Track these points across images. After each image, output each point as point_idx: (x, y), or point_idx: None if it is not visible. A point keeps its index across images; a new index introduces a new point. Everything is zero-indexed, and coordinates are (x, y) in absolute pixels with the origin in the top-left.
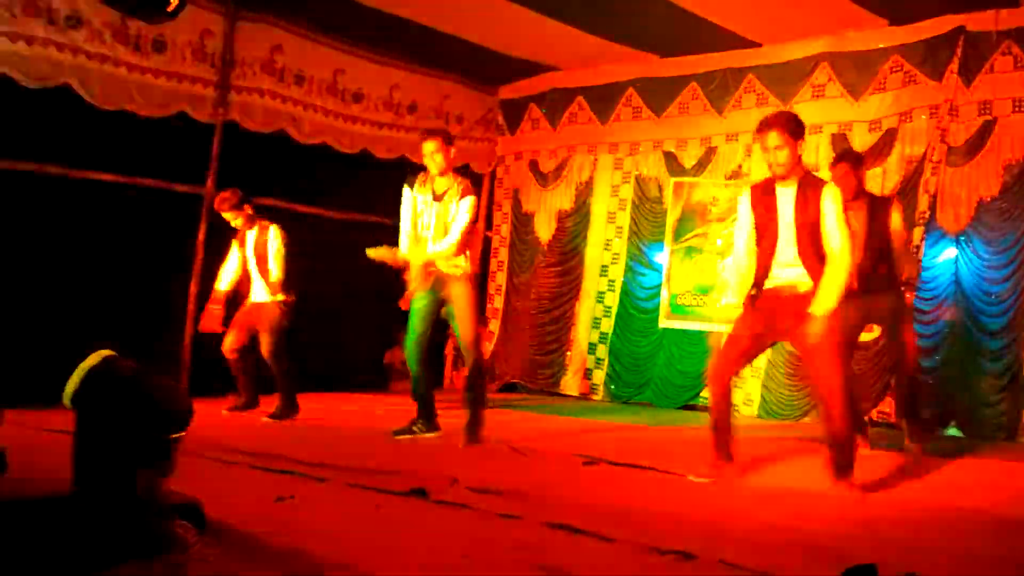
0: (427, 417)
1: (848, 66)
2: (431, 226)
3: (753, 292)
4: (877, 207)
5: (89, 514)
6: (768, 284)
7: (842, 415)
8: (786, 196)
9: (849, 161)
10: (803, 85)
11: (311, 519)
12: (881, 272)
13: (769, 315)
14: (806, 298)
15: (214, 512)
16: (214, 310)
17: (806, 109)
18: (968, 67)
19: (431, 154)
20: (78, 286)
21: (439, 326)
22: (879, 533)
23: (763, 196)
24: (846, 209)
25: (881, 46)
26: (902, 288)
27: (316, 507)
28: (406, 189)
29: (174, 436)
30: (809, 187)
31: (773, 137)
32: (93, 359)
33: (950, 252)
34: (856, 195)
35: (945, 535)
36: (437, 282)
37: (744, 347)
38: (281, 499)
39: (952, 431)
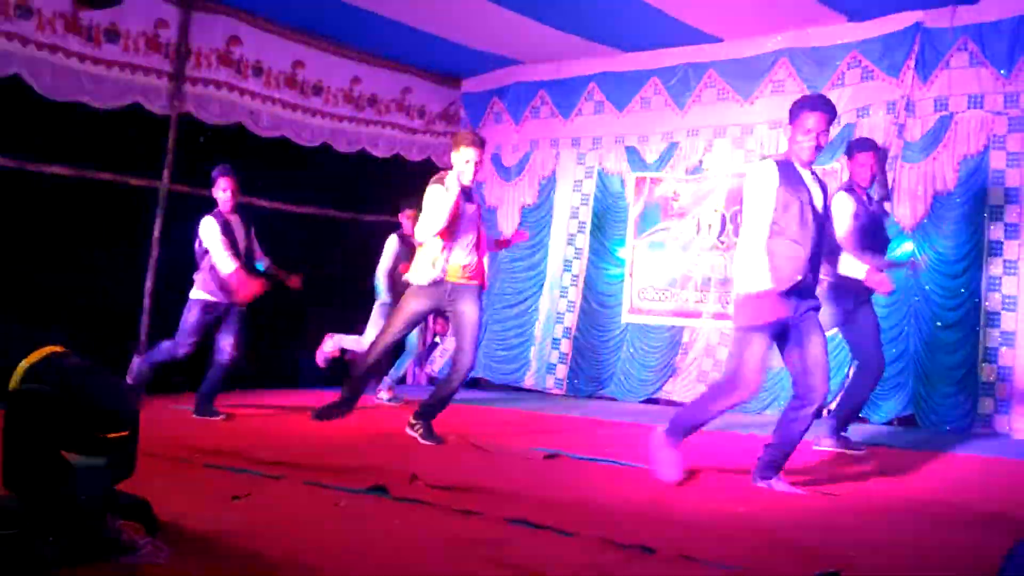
0: (350, 404)
1: (807, 62)
2: (461, 231)
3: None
4: (871, 198)
5: (20, 517)
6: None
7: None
8: (812, 183)
9: (874, 150)
10: (763, 81)
11: (268, 518)
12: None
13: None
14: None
15: (167, 512)
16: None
17: (766, 105)
18: (925, 63)
19: (475, 163)
20: (30, 282)
21: None
22: (836, 525)
23: (791, 176)
24: (860, 194)
25: (840, 42)
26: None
27: (273, 506)
28: (443, 188)
29: (113, 435)
30: (818, 179)
31: (824, 121)
32: (37, 355)
33: (907, 246)
34: (871, 184)
35: (901, 527)
36: (450, 291)
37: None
38: (237, 498)
39: (908, 422)
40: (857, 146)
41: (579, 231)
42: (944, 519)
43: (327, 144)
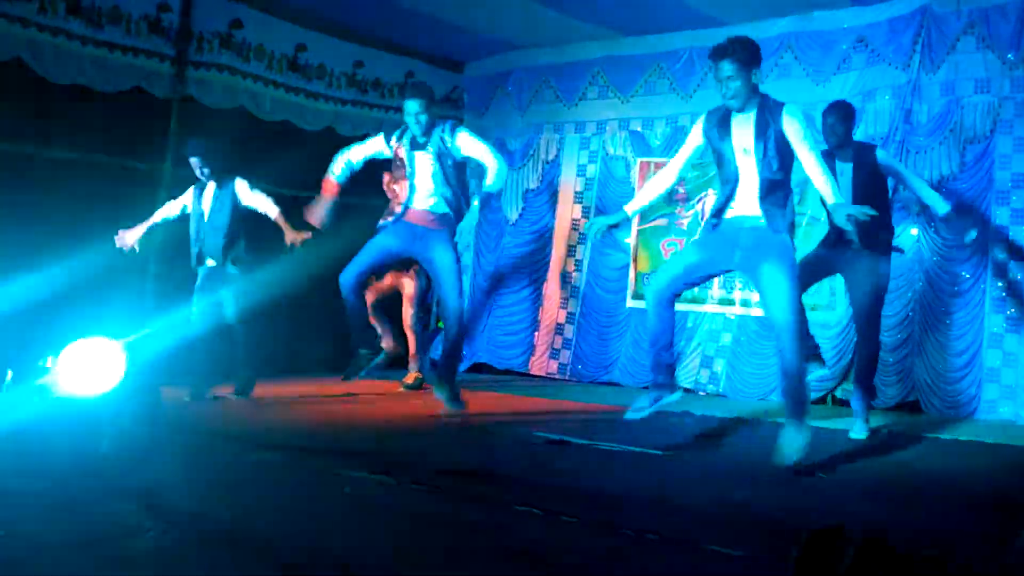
0: (369, 343)
1: (812, 46)
2: (417, 175)
3: (714, 221)
4: (862, 157)
5: None
6: (728, 215)
7: (793, 349)
8: (744, 125)
9: (838, 110)
10: (768, 65)
11: (274, 503)
12: (876, 223)
13: (728, 244)
14: (764, 232)
15: (173, 496)
16: None
17: (771, 89)
18: (932, 47)
19: (415, 115)
20: (34, 265)
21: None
22: (840, 509)
23: (718, 124)
24: (839, 158)
25: (845, 26)
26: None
27: (279, 490)
28: (380, 136)
29: None
30: (767, 110)
31: (725, 67)
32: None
33: (912, 232)
34: (840, 145)
35: (905, 511)
36: (419, 235)
37: (692, 266)
38: (243, 482)
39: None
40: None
41: (583, 216)
42: (948, 505)
43: (330, 128)
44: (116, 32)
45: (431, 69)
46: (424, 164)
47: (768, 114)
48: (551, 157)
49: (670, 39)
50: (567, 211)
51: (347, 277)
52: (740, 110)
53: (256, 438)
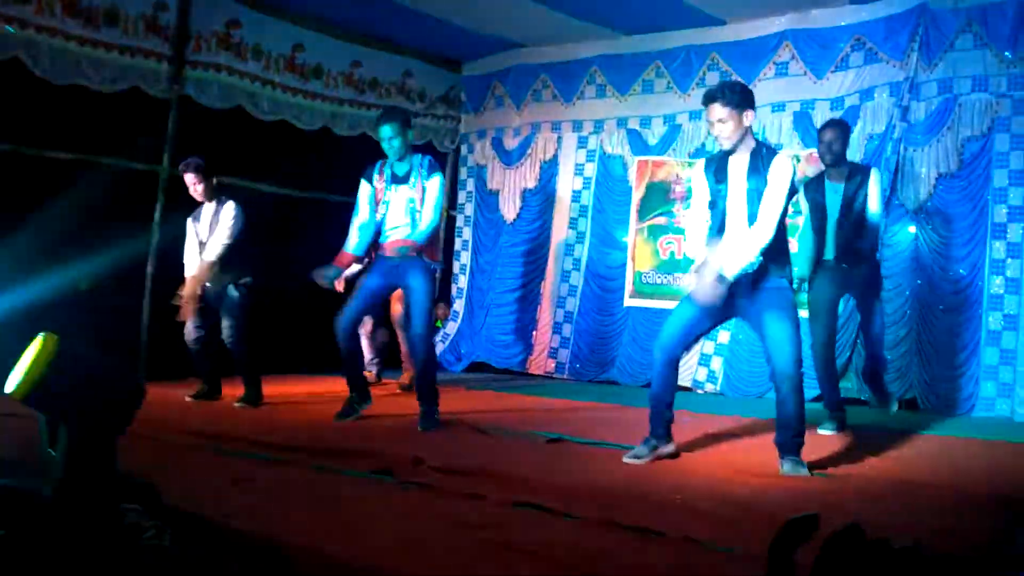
0: (361, 391)
1: (810, 44)
2: (390, 210)
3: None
4: (856, 175)
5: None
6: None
7: (795, 401)
8: (739, 169)
9: (837, 127)
10: (766, 63)
11: (273, 502)
12: (860, 242)
13: (725, 293)
14: (762, 280)
15: (173, 496)
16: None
17: (769, 87)
18: (929, 45)
19: (388, 139)
20: (29, 266)
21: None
22: (839, 508)
23: (716, 169)
24: (829, 177)
25: (843, 23)
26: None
27: (278, 490)
28: (363, 182)
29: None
30: (760, 157)
31: (716, 110)
32: (45, 347)
33: (910, 229)
34: (837, 161)
35: (903, 508)
36: (397, 266)
37: (692, 321)
38: (240, 482)
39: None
40: (825, 124)
41: (581, 215)
42: (945, 502)
43: (327, 128)
44: (113, 32)
45: (428, 68)
46: (400, 198)
47: (760, 160)
48: (549, 156)
49: (668, 37)
50: (565, 210)
51: (342, 324)
52: (732, 152)
53: (255, 437)
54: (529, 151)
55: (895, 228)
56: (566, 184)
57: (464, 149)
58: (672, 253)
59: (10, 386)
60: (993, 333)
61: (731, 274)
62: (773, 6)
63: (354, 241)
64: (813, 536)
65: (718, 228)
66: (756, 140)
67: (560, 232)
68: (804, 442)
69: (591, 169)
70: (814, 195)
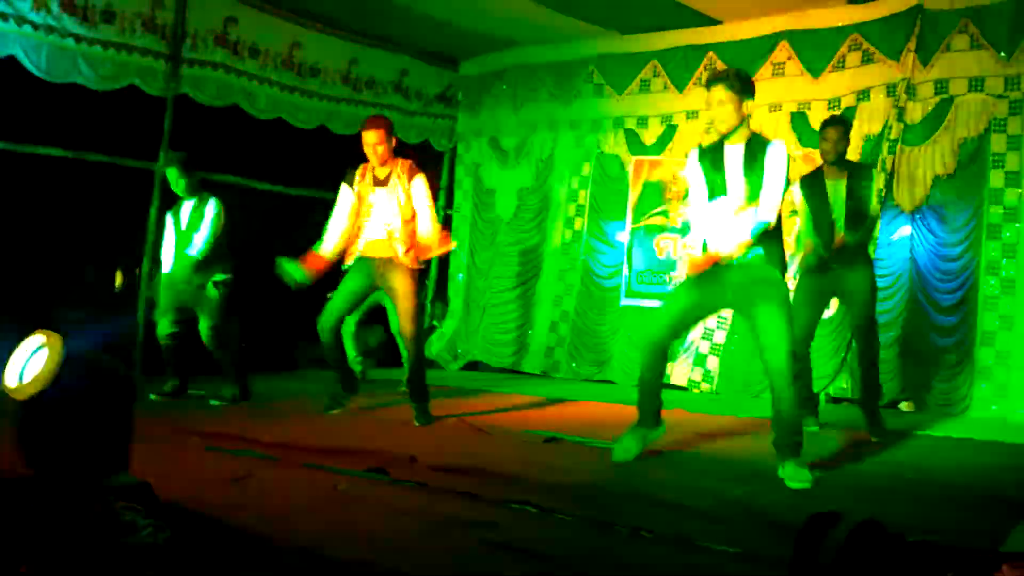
0: (348, 383)
1: (807, 44)
2: (373, 213)
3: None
4: (856, 175)
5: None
6: (713, 248)
7: (790, 396)
8: (735, 158)
9: (842, 125)
10: (763, 63)
11: (268, 500)
12: (856, 240)
13: (717, 283)
14: (756, 269)
15: (168, 494)
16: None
17: (766, 87)
18: (925, 45)
19: (373, 145)
20: (25, 263)
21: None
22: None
23: (712, 157)
24: (828, 174)
25: (840, 24)
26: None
27: (273, 488)
28: (344, 186)
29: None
30: (756, 146)
31: (718, 91)
32: (53, 347)
33: (905, 230)
34: (838, 160)
35: (899, 508)
36: (378, 268)
37: (683, 311)
38: (236, 480)
39: (904, 406)
40: (827, 121)
41: (577, 214)
42: (939, 502)
43: (324, 126)
44: (110, 30)
45: (425, 67)
46: (383, 200)
47: (757, 148)
48: (545, 155)
49: (665, 37)
50: (561, 209)
51: (324, 323)
52: (727, 140)
53: (250, 436)
54: (526, 150)
55: (891, 228)
56: (563, 183)
57: (461, 148)
58: (668, 252)
59: (11, 383)
60: (988, 333)
61: (727, 249)
62: (770, 6)
63: (329, 245)
64: (835, 530)
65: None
66: (751, 131)
67: (556, 231)
68: (802, 441)
69: (588, 168)
70: (812, 192)
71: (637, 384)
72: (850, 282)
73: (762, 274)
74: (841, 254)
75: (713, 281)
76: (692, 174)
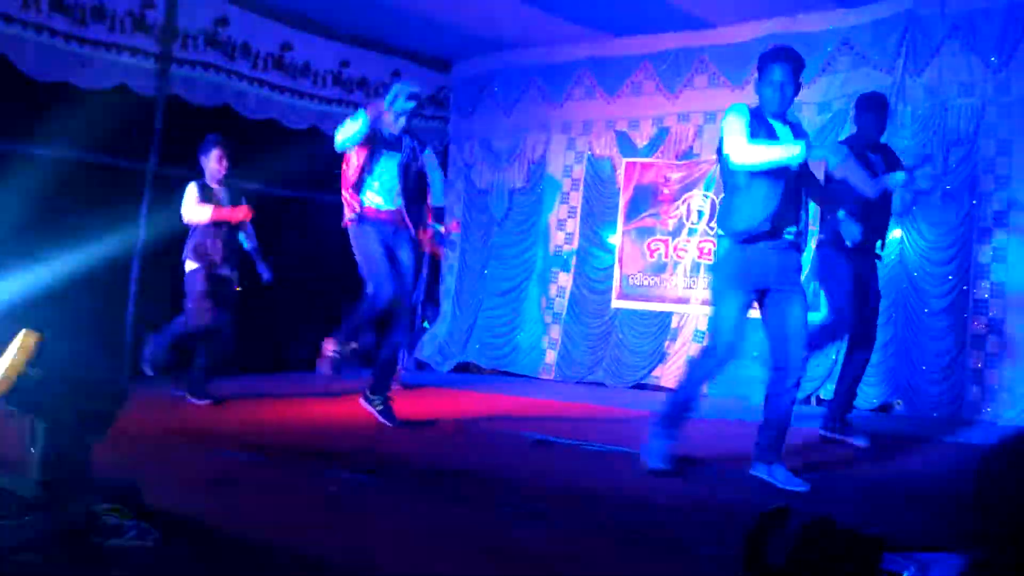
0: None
1: (799, 48)
2: (383, 174)
3: (748, 242)
4: (891, 156)
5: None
6: (770, 232)
7: (792, 398)
8: (785, 136)
9: (880, 106)
10: (754, 66)
11: (258, 502)
12: (884, 233)
13: (762, 268)
14: (796, 257)
15: (156, 496)
16: None
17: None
18: (916, 51)
19: (409, 112)
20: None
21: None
22: (823, 509)
23: (764, 127)
24: (862, 157)
25: (830, 28)
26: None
27: (263, 489)
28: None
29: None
30: (801, 130)
31: (793, 72)
32: (25, 345)
33: (895, 233)
34: (876, 145)
35: (888, 511)
36: (391, 232)
37: (744, 308)
38: (226, 482)
39: (896, 408)
40: (865, 99)
41: (569, 216)
42: (930, 506)
43: (315, 127)
44: (100, 29)
45: (418, 69)
46: (393, 166)
47: (800, 132)
48: (537, 157)
49: (657, 40)
50: (553, 211)
51: (393, 290)
52: (776, 118)
53: (244, 437)
54: (518, 152)
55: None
56: (554, 185)
57: (453, 150)
58: (660, 255)
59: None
60: (978, 337)
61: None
62: (761, 10)
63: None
64: (785, 527)
65: (766, 197)
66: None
67: (548, 233)
68: (785, 441)
69: (579, 170)
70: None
71: (683, 400)
72: (872, 273)
73: (797, 262)
74: (875, 240)
75: (759, 265)
76: (746, 123)
